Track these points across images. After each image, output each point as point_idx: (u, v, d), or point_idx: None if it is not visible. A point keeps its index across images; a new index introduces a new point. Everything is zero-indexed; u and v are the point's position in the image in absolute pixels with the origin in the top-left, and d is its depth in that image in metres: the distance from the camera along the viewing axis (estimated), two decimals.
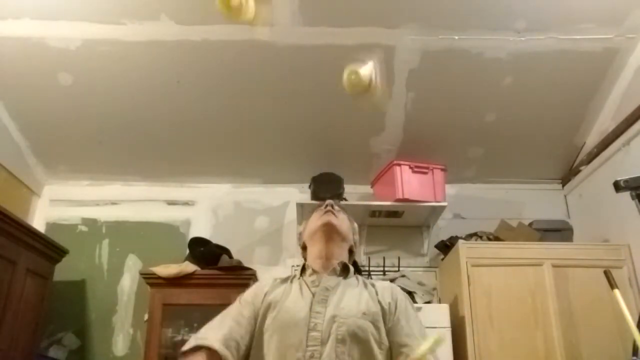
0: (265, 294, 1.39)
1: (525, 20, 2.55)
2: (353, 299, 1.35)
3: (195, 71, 2.77)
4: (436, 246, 3.19)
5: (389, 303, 1.36)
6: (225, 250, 3.03)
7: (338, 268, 1.44)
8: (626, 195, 1.56)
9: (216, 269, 2.89)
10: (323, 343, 1.24)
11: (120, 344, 3.07)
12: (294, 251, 3.29)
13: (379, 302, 1.36)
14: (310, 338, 1.25)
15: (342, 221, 1.52)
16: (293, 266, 3.23)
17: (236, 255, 3.08)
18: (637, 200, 1.53)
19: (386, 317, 1.33)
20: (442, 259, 3.14)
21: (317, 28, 2.57)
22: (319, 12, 2.51)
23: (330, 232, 1.48)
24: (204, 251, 2.99)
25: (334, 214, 1.51)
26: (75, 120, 3.03)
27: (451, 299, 2.82)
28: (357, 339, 1.26)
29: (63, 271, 2.97)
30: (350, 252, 1.54)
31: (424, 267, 3.26)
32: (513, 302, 2.62)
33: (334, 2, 2.49)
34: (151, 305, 2.82)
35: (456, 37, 2.61)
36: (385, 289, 1.42)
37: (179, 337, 2.87)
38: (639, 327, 1.95)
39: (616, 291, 2.15)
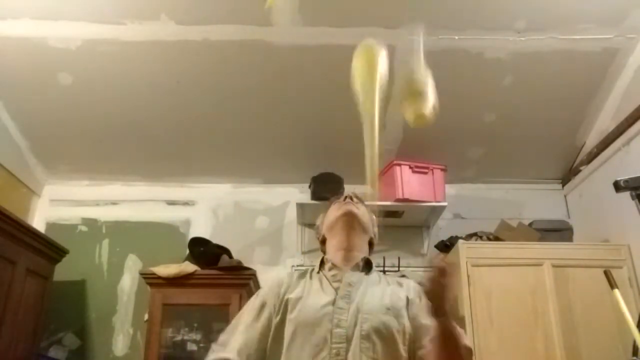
0: (284, 292, 1.35)
1: (525, 20, 2.55)
2: (376, 295, 1.31)
3: (195, 71, 2.77)
4: (436, 246, 3.18)
5: (414, 297, 1.33)
6: (225, 250, 3.03)
7: (361, 264, 1.40)
8: (626, 195, 1.56)
9: (216, 269, 2.89)
10: (348, 340, 1.20)
11: (120, 344, 3.07)
12: (294, 251, 3.29)
13: (406, 295, 1.33)
14: (335, 335, 1.21)
15: (362, 212, 1.49)
16: (293, 266, 3.23)
17: (236, 255, 3.07)
18: (637, 200, 1.53)
19: (409, 306, 1.30)
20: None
21: (317, 28, 2.57)
22: (319, 12, 2.51)
23: (351, 221, 1.44)
24: (204, 251, 2.99)
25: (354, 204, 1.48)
26: (75, 120, 3.03)
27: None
28: (381, 335, 1.22)
29: (63, 271, 2.96)
30: (370, 245, 1.50)
31: (424, 267, 3.26)
32: (513, 302, 2.62)
33: (334, 2, 2.49)
34: (151, 305, 2.82)
35: (456, 37, 2.61)
36: (411, 285, 1.40)
37: (179, 337, 2.87)
38: (639, 327, 1.95)
39: (616, 291, 2.15)
